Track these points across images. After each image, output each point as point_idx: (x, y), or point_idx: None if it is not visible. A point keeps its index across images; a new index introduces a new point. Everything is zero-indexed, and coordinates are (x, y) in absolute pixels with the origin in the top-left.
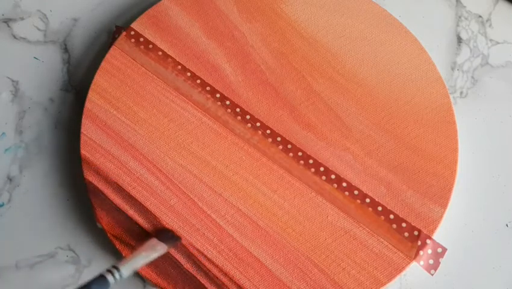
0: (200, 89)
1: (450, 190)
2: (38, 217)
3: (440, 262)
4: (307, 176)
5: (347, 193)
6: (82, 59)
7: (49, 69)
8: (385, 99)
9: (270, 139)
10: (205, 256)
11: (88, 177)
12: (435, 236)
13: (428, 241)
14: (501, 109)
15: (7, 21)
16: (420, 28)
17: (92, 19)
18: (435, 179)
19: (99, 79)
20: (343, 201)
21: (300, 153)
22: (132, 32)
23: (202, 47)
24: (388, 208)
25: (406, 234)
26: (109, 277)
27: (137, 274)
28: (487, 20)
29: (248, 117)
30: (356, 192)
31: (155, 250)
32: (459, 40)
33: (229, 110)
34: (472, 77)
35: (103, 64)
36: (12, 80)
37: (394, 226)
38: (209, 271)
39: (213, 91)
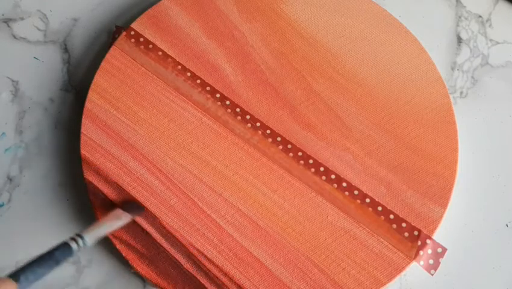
0: (200, 89)
1: (450, 190)
2: (38, 217)
3: (440, 262)
4: (307, 176)
5: (347, 193)
6: (82, 59)
7: (49, 69)
8: (385, 99)
9: (270, 139)
10: (205, 256)
11: (88, 177)
12: (435, 236)
13: (428, 241)
14: (501, 109)
15: (7, 21)
16: (420, 28)
17: (92, 19)
18: (435, 179)
19: (99, 79)
20: (343, 201)
21: (300, 153)
22: (132, 32)
23: (202, 47)
24: (388, 208)
25: (406, 234)
26: (73, 245)
27: (137, 275)
28: (486, 20)
29: (248, 117)
30: (356, 192)
31: (119, 219)
32: (459, 40)
33: (229, 110)
34: (472, 77)
35: (103, 64)
36: (12, 80)
37: (394, 226)
38: (209, 271)
39: (213, 91)
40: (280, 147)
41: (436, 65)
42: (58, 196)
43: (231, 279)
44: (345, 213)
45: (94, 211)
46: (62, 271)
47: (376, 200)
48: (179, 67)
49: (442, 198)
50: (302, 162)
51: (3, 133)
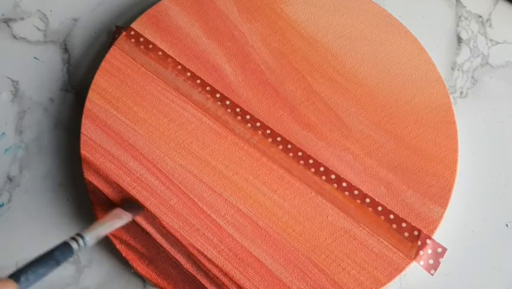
0: (200, 89)
1: (450, 190)
2: (38, 217)
3: (440, 262)
4: (307, 176)
5: (347, 193)
6: (82, 59)
7: (49, 69)
8: (385, 99)
9: (270, 139)
10: (205, 256)
11: (88, 177)
12: (435, 236)
13: (428, 241)
14: (501, 109)
15: (7, 21)
16: (420, 28)
17: (92, 19)
18: (435, 179)
19: (99, 79)
20: (343, 201)
21: (300, 153)
22: (132, 32)
23: (202, 47)
24: (388, 208)
25: (406, 234)
26: (74, 244)
27: (137, 275)
28: (486, 20)
29: (248, 117)
30: (356, 192)
31: (120, 218)
32: (459, 40)
33: (229, 110)
34: (472, 77)
35: (103, 64)
36: (12, 80)
37: (394, 226)
38: (209, 271)
39: (213, 91)
40: (280, 147)
41: (436, 65)
42: (58, 196)
43: (230, 279)
44: (345, 213)
45: (94, 211)
46: (62, 271)
47: (376, 200)
48: (179, 67)
49: (442, 198)
50: (302, 162)
51: (3, 133)
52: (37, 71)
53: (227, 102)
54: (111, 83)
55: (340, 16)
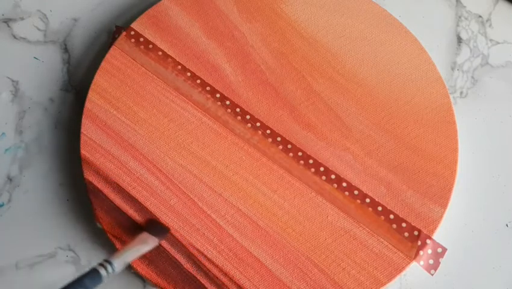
0: (200, 89)
1: (450, 190)
2: (38, 217)
3: (440, 262)
4: (307, 176)
5: (347, 193)
6: (82, 59)
7: (49, 69)
8: (385, 99)
9: (270, 139)
10: (205, 256)
11: (88, 177)
12: (435, 236)
13: (428, 241)
14: (501, 109)
15: (7, 21)
16: (420, 28)
17: (92, 19)
18: (435, 179)
19: (99, 79)
20: (343, 201)
21: (300, 153)
22: (132, 32)
23: (202, 47)
24: (388, 208)
25: (406, 234)
26: (102, 271)
27: (137, 275)
28: (486, 20)
29: (248, 117)
30: (356, 192)
31: (146, 243)
32: (459, 40)
33: (229, 110)
34: (472, 77)
35: (103, 64)
36: (12, 80)
37: (394, 226)
38: (209, 271)
39: (213, 91)
40: (280, 147)
41: (436, 65)
42: (58, 196)
43: (230, 279)
44: (345, 213)
45: (94, 211)
46: (63, 271)
47: (376, 200)
48: (179, 67)
49: (442, 198)
50: (302, 162)
51: (3, 133)
52: (37, 71)
53: (227, 102)
54: (111, 83)
55: (340, 16)
